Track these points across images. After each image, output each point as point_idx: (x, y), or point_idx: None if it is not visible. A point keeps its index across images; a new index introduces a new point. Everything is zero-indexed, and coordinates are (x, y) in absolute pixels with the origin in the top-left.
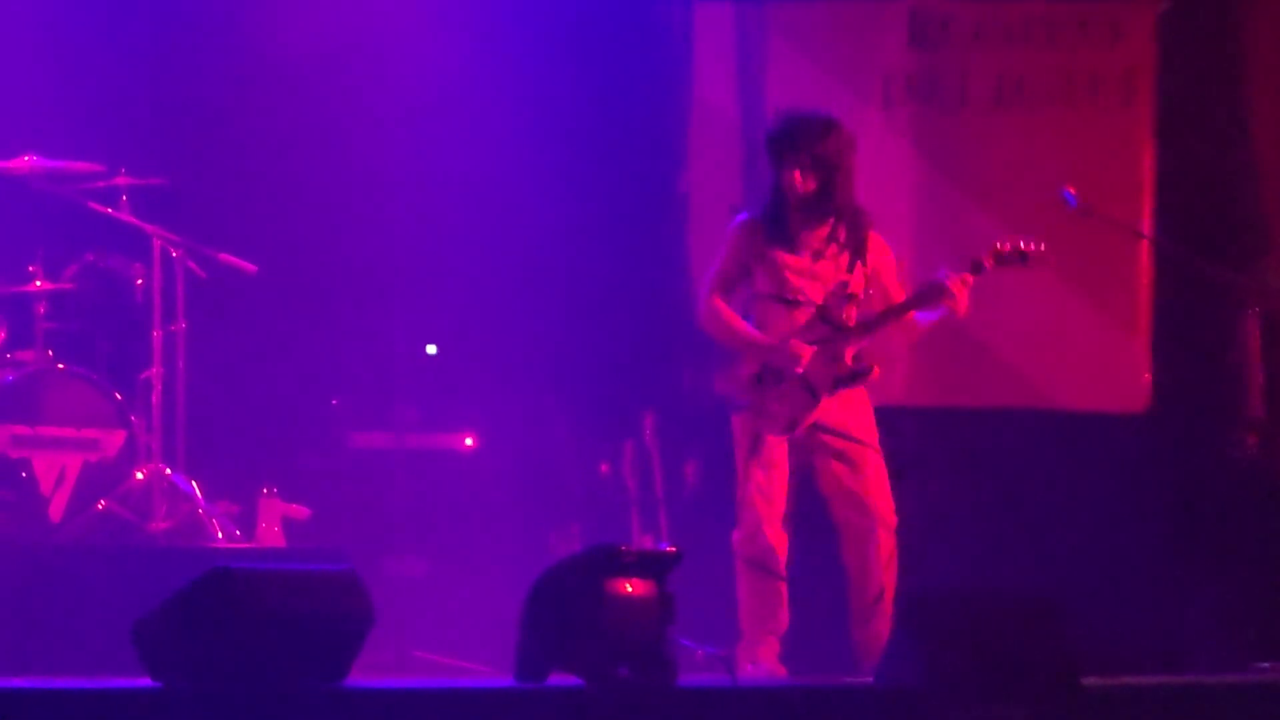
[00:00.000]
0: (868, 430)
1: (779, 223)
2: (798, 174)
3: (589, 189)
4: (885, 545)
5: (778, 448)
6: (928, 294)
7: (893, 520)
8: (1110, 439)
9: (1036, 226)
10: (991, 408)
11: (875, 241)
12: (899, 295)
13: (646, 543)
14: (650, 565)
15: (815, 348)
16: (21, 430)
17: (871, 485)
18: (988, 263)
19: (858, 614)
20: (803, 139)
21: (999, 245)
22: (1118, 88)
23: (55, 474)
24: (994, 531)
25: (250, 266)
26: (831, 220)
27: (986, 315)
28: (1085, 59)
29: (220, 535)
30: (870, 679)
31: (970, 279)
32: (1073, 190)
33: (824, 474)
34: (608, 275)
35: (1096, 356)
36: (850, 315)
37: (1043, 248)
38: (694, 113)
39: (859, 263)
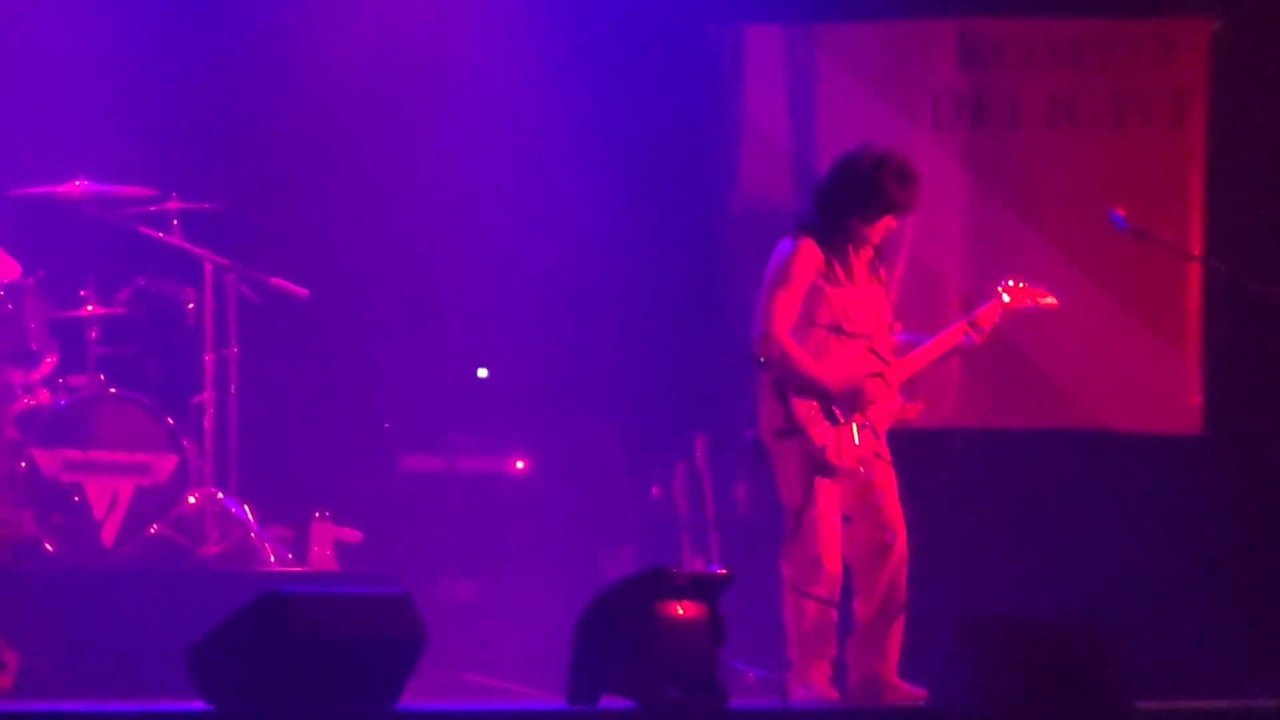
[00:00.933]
0: (884, 446)
1: (842, 254)
2: (896, 221)
3: (640, 211)
4: (904, 560)
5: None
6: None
7: (905, 535)
8: (1161, 460)
9: (1086, 247)
10: (1041, 429)
11: (882, 269)
12: (894, 321)
13: (697, 565)
14: (701, 588)
15: (876, 383)
16: (74, 455)
17: (890, 501)
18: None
19: (874, 632)
20: (919, 194)
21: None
22: (1169, 108)
23: (108, 498)
24: (1046, 553)
25: (302, 291)
26: (872, 251)
27: (1036, 336)
28: (1136, 79)
29: (272, 559)
30: (923, 698)
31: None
32: (1122, 212)
33: (849, 495)
34: (659, 298)
35: (1147, 377)
36: (888, 345)
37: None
38: (744, 134)
39: (885, 291)
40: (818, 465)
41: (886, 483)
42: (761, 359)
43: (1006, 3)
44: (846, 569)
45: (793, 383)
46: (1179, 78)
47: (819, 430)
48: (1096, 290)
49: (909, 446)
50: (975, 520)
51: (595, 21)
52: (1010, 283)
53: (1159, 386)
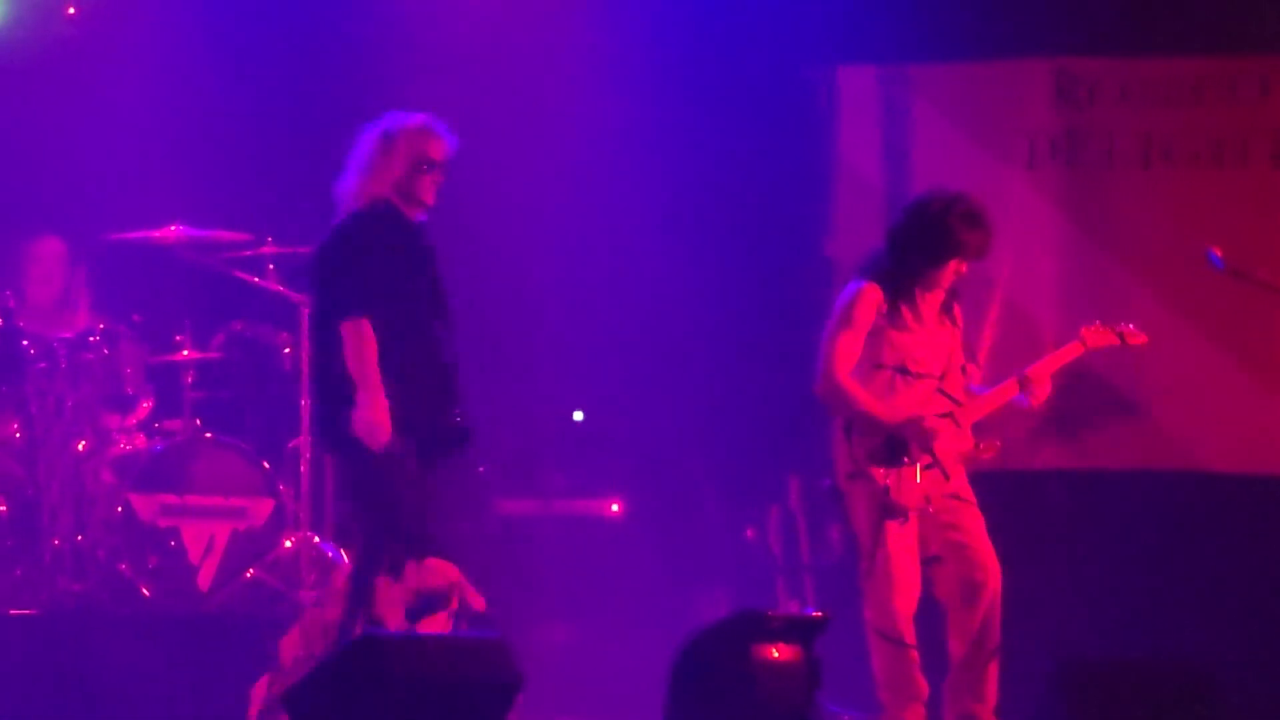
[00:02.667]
0: (965, 486)
1: (909, 296)
2: (967, 265)
3: (735, 254)
4: (997, 599)
5: (907, 520)
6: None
7: (999, 574)
8: (1259, 501)
9: (1182, 287)
10: (1138, 469)
11: (957, 309)
12: (968, 361)
13: (792, 608)
14: (797, 630)
15: (944, 423)
16: (170, 499)
17: (979, 540)
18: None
19: (970, 672)
20: (994, 235)
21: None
22: (1265, 146)
23: (204, 542)
24: (1143, 595)
25: None
26: (944, 294)
27: (1133, 377)
28: (1233, 117)
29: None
30: None
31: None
32: (1219, 251)
33: (932, 535)
34: (753, 340)
35: (1243, 418)
36: (960, 385)
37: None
38: (839, 176)
39: (957, 332)
40: (884, 506)
41: (972, 523)
42: (821, 398)
43: (1101, 42)
44: (941, 609)
45: (856, 423)
46: (1276, 116)
47: (881, 471)
48: (1193, 330)
49: (1005, 489)
50: (1072, 562)
51: (691, 65)
52: (1092, 324)
53: (1256, 426)
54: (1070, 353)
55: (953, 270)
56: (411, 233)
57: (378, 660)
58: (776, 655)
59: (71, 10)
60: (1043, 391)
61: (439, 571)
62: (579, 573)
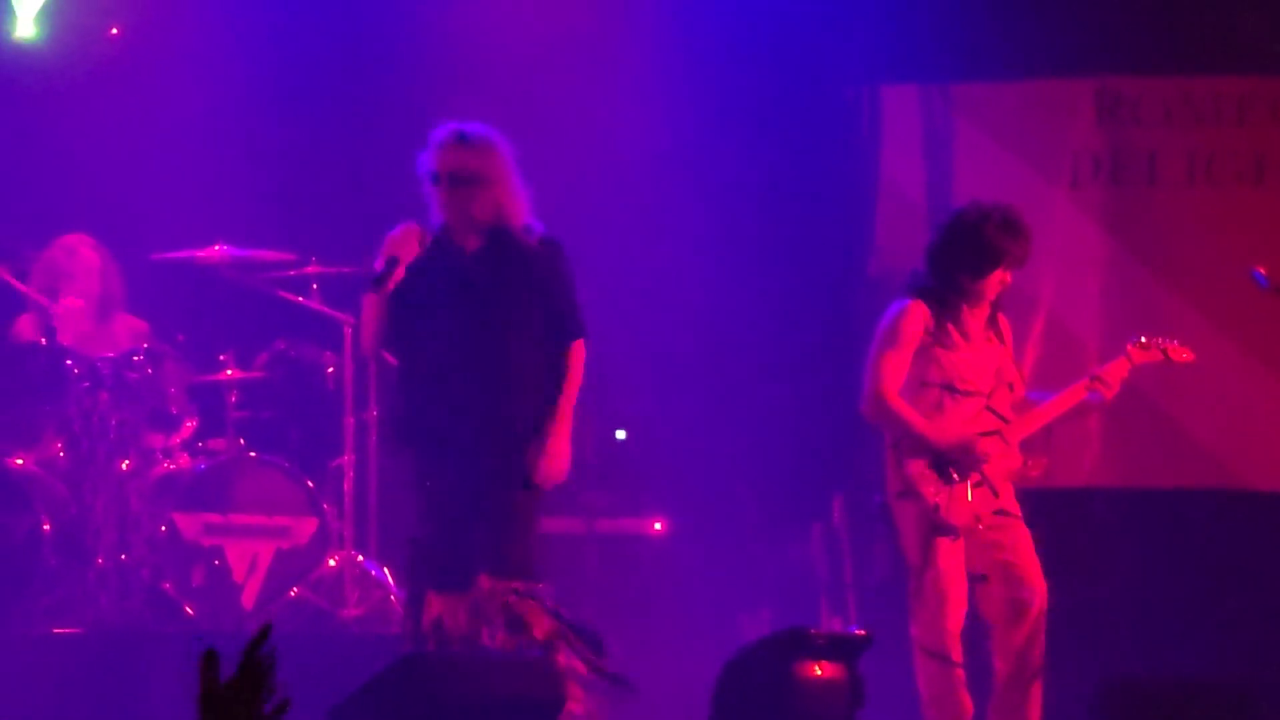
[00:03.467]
0: (1012, 501)
1: (953, 312)
2: (1010, 275)
3: (777, 272)
4: (1042, 618)
5: (956, 538)
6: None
7: (1045, 592)
8: None
9: (1226, 305)
10: (1183, 488)
11: (1005, 323)
12: (1016, 376)
13: (836, 626)
14: (840, 648)
15: (992, 440)
16: (214, 518)
17: (1026, 558)
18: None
19: (1014, 691)
20: (1034, 244)
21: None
22: None
23: (247, 562)
24: (1188, 614)
25: None
26: (989, 309)
27: (1177, 395)
28: (1277, 136)
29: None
30: None
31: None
32: (1263, 270)
33: (978, 554)
34: (795, 358)
35: None
36: (1008, 402)
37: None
38: (881, 195)
39: (1006, 348)
40: (933, 525)
41: (1019, 541)
42: (868, 418)
43: (1145, 61)
44: (986, 628)
45: (904, 442)
46: None
47: (931, 489)
48: (1237, 349)
49: (1048, 506)
50: (1116, 580)
51: (734, 83)
52: (1139, 339)
53: None
54: (1117, 369)
55: (996, 281)
56: None
57: (420, 680)
58: (819, 673)
59: (114, 30)
60: (1112, 390)
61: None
62: (622, 591)
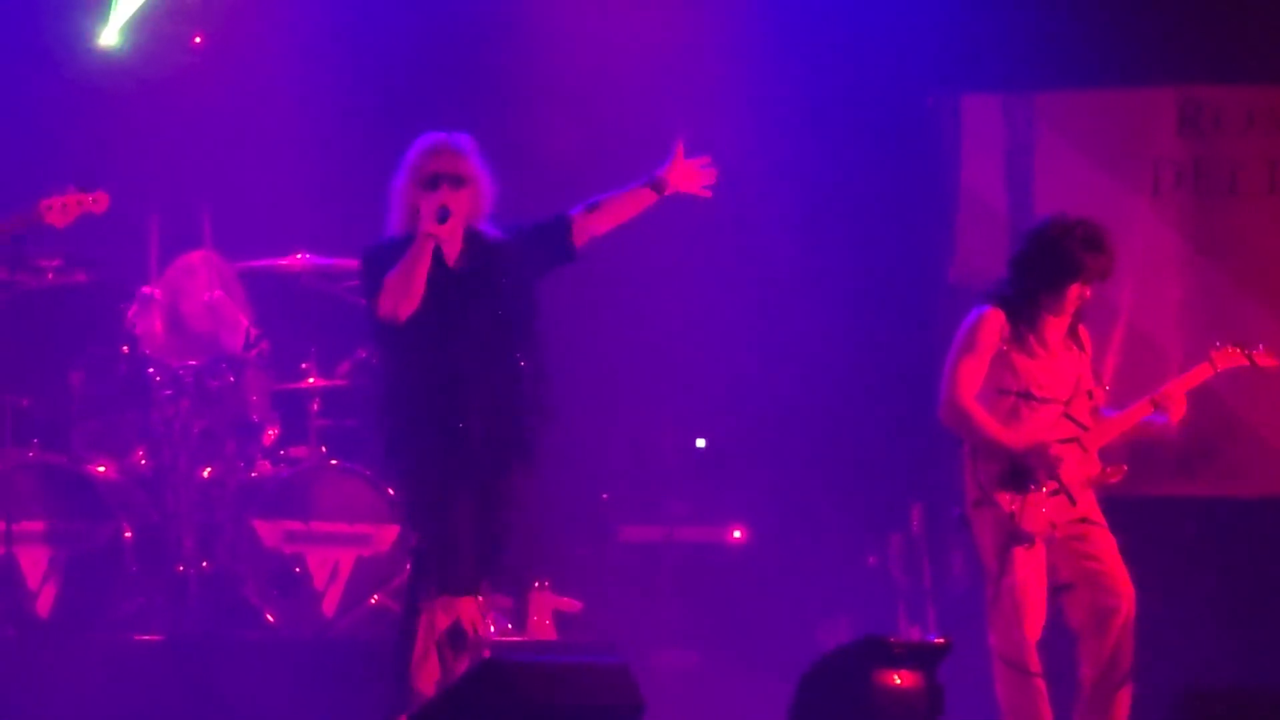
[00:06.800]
0: (1095, 509)
1: (1032, 321)
2: (1090, 289)
3: (858, 280)
4: (1131, 625)
5: (1034, 546)
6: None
7: (1133, 598)
8: None
9: None
10: (1265, 496)
11: (1085, 332)
12: (1095, 384)
13: (914, 635)
14: (919, 657)
15: (1069, 448)
16: (295, 526)
17: (1111, 563)
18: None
19: (1101, 698)
20: (1115, 259)
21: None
22: None
23: (328, 569)
24: (1270, 623)
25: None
26: (1069, 319)
27: (1258, 402)
28: None
29: (493, 629)
30: None
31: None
32: None
33: (1063, 562)
34: (875, 366)
35: None
36: (1086, 410)
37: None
38: (962, 204)
39: (1085, 356)
40: (1010, 533)
41: (1104, 547)
42: (945, 424)
43: (1227, 70)
44: (1072, 636)
45: (980, 449)
46: None
47: (1006, 497)
48: None
49: (1128, 515)
50: (1197, 588)
51: (816, 93)
52: (1222, 346)
53: None
54: (1199, 375)
55: (1075, 294)
56: None
57: (500, 686)
58: (898, 682)
59: (198, 40)
60: (1178, 410)
61: None
62: (701, 599)
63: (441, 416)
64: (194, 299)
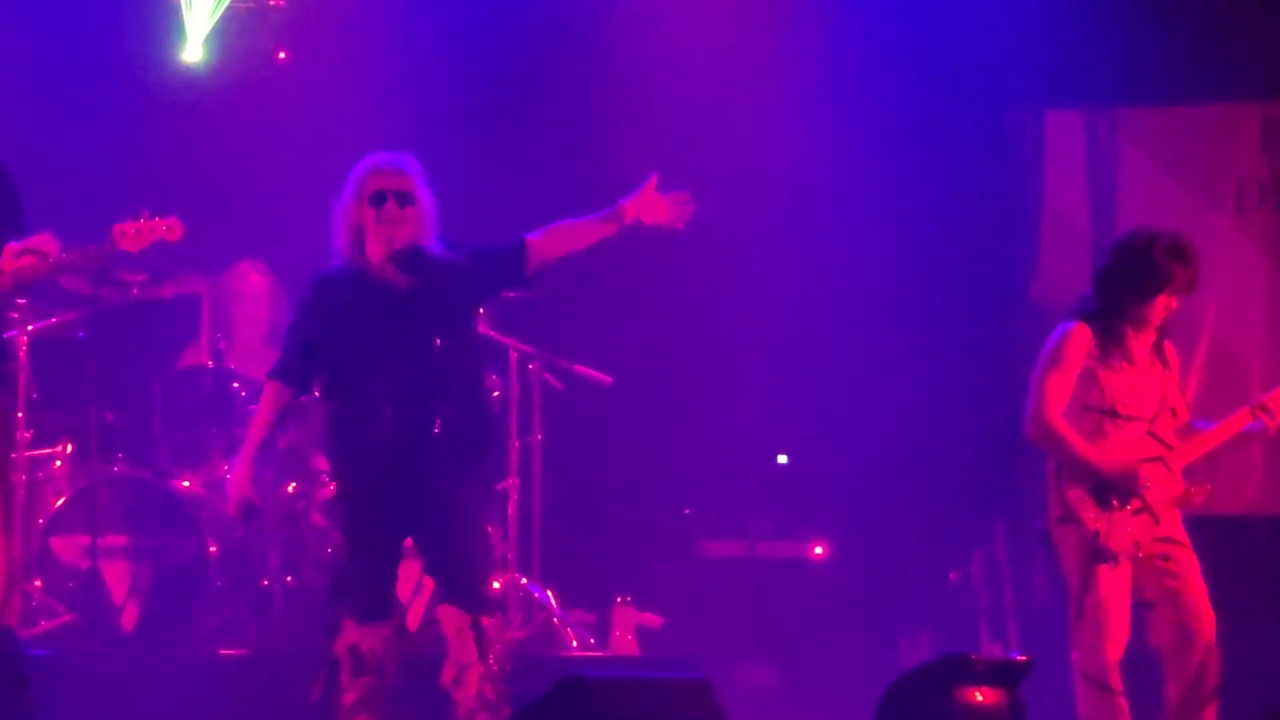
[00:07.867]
0: (1179, 528)
1: (1117, 337)
2: (1177, 301)
3: (942, 297)
4: (1214, 645)
5: (1118, 564)
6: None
7: (1214, 622)
8: None
9: None
10: None
11: (1170, 349)
12: (1180, 402)
13: (996, 652)
14: (1001, 674)
15: (1154, 467)
16: None
17: (1195, 586)
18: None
19: (1187, 714)
20: (1201, 271)
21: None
22: None
23: (413, 582)
24: None
25: (606, 378)
26: (1155, 334)
27: None
28: None
29: (575, 644)
30: None
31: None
32: None
33: (1147, 580)
34: (957, 384)
35: None
36: (1171, 428)
37: None
38: (1044, 220)
39: (1171, 374)
40: (1094, 551)
41: (1187, 568)
42: (1032, 440)
43: None
44: (1155, 654)
45: (1066, 466)
46: None
47: (1091, 515)
48: None
49: (1212, 534)
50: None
51: (898, 109)
52: None
53: None
54: None
55: (1162, 307)
56: None
57: (582, 702)
58: (980, 699)
59: (282, 55)
60: (1278, 417)
61: None
62: (782, 615)
63: (374, 434)
64: (279, 314)
